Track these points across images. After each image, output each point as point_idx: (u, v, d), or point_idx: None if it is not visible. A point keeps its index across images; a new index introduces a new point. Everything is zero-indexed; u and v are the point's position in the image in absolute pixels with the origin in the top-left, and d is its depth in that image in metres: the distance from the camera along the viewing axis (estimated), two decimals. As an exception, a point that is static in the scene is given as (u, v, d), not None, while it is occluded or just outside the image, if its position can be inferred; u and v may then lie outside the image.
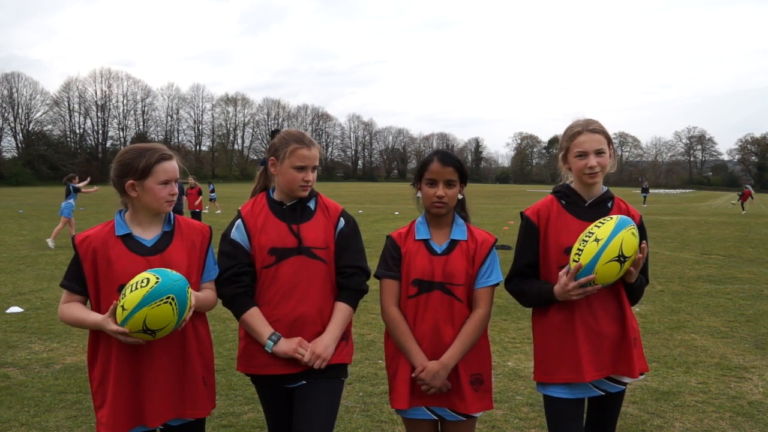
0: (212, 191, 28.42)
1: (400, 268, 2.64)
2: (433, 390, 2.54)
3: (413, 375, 2.55)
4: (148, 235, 2.46)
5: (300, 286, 2.58)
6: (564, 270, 2.49)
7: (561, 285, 2.47)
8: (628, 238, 2.39)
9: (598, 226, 2.42)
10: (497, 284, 2.67)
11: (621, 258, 2.38)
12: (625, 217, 2.48)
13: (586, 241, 2.41)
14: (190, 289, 2.28)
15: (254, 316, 2.57)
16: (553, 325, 2.60)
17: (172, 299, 2.20)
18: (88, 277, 2.41)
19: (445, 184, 2.59)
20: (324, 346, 2.54)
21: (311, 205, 2.70)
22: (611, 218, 2.44)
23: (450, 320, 2.58)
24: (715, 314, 7.63)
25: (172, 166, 2.46)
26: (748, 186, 39.71)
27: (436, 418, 2.63)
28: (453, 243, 2.63)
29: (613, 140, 2.69)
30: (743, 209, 32.63)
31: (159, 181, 2.42)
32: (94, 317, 2.35)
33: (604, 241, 2.37)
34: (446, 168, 2.59)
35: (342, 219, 2.71)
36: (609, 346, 2.56)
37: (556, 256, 2.59)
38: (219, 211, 26.04)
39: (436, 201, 2.59)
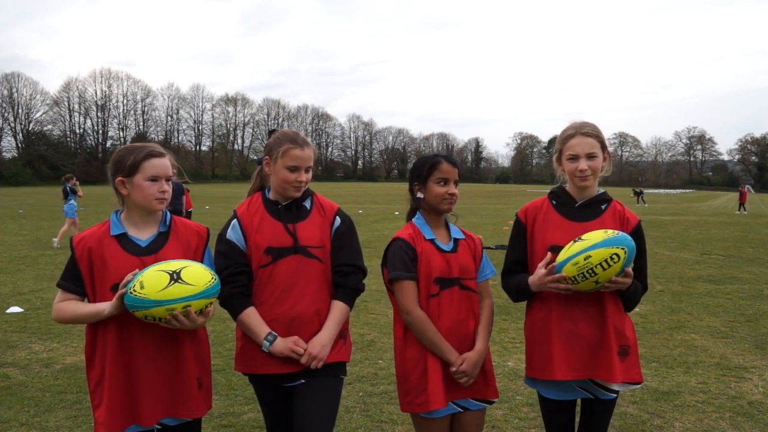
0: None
1: (417, 268, 2.66)
2: (471, 381, 2.62)
3: (454, 369, 2.59)
4: (143, 235, 2.46)
5: (296, 285, 2.58)
6: (542, 262, 2.55)
7: (535, 274, 2.58)
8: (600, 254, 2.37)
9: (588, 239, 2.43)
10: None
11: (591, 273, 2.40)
12: (622, 238, 2.41)
13: (575, 241, 2.45)
14: None
15: (251, 316, 2.56)
16: (534, 322, 2.69)
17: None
18: (85, 277, 2.41)
19: (454, 183, 2.72)
20: (320, 345, 2.54)
21: (307, 204, 2.70)
22: (616, 234, 2.41)
23: (471, 313, 2.70)
24: (715, 314, 7.64)
25: (162, 163, 2.44)
26: (748, 186, 39.76)
27: (461, 410, 2.69)
28: (456, 241, 2.75)
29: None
30: (744, 209, 32.64)
31: (147, 177, 2.40)
32: (94, 306, 2.34)
33: (587, 245, 2.38)
34: (454, 168, 2.73)
35: (338, 218, 2.70)
36: (586, 348, 2.56)
37: (542, 253, 2.62)
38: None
39: (448, 198, 2.69)
